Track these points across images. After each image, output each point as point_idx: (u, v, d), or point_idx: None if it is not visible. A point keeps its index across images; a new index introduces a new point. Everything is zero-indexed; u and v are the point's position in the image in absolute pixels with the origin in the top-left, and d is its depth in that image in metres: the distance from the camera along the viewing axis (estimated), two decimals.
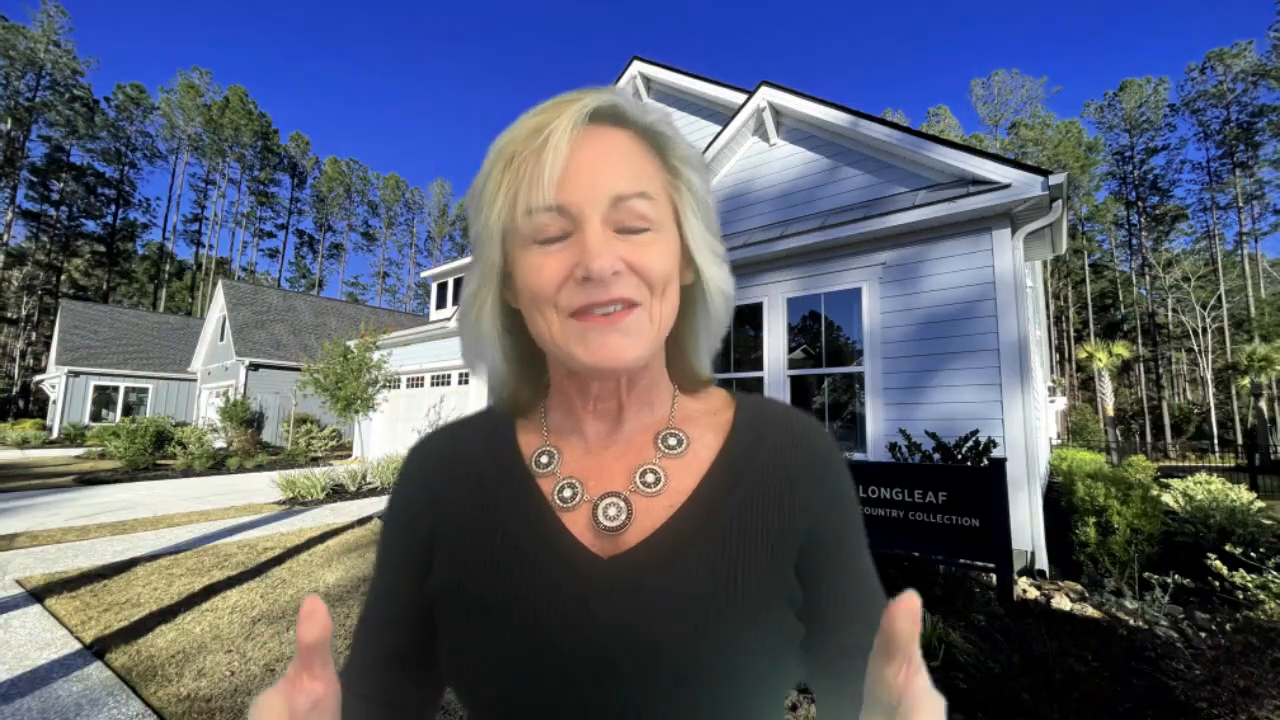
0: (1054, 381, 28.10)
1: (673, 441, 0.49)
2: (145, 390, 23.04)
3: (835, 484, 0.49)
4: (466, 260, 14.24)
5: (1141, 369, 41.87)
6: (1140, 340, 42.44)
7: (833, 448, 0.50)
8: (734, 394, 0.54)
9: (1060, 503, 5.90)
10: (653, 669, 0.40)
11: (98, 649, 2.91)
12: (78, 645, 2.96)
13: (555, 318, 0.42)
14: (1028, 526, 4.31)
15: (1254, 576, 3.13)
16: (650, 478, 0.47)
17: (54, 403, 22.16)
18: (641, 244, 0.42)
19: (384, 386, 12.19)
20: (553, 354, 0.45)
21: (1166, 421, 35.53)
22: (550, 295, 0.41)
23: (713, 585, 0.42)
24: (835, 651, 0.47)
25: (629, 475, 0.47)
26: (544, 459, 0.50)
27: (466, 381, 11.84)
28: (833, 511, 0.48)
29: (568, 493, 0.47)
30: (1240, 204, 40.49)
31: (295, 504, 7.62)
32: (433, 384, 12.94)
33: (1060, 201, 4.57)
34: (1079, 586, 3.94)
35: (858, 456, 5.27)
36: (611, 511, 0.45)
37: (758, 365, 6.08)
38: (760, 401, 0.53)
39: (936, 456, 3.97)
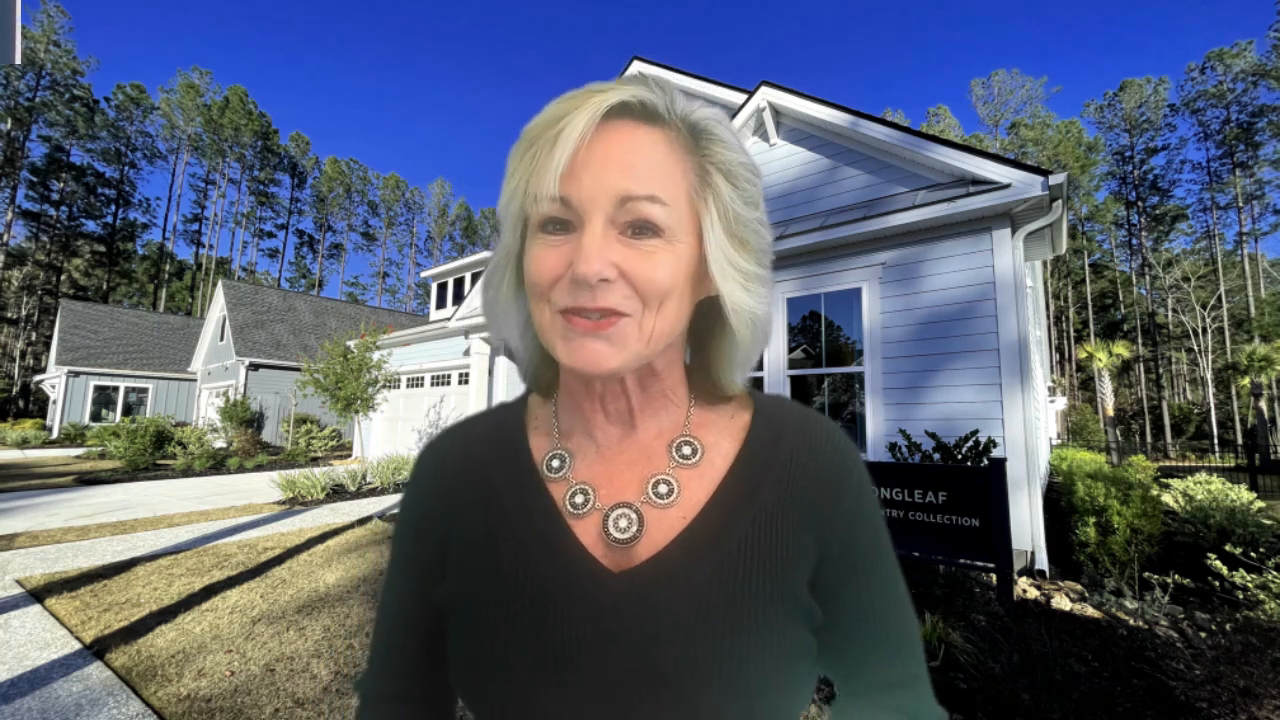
0: (1054, 381, 28.11)
1: (687, 450, 0.48)
2: (145, 390, 23.03)
3: (854, 496, 0.47)
4: (467, 260, 14.27)
5: (1141, 369, 41.87)
6: (1140, 340, 42.44)
7: (852, 457, 0.49)
8: (752, 393, 0.52)
9: (1060, 503, 5.89)
10: (661, 687, 0.39)
11: (98, 649, 2.91)
12: (78, 645, 2.95)
13: (547, 311, 0.41)
14: (1028, 526, 4.31)
15: (1254, 576, 3.13)
16: (663, 488, 0.46)
17: (54, 403, 22.16)
18: (644, 252, 0.39)
19: (384, 386, 12.20)
20: (544, 346, 0.44)
21: (1166, 421, 35.52)
22: (545, 289, 0.40)
23: (723, 602, 0.41)
24: (861, 687, 0.46)
25: (641, 485, 0.46)
26: (555, 463, 0.49)
27: (466, 381, 11.84)
28: (851, 525, 0.46)
29: (579, 499, 0.46)
30: (1240, 204, 40.49)
31: (295, 504, 7.61)
32: (433, 384, 12.94)
33: (1060, 201, 4.57)
34: (1079, 586, 3.94)
35: None
36: (622, 523, 0.45)
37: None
38: (779, 404, 0.51)
39: (936, 456, 3.96)
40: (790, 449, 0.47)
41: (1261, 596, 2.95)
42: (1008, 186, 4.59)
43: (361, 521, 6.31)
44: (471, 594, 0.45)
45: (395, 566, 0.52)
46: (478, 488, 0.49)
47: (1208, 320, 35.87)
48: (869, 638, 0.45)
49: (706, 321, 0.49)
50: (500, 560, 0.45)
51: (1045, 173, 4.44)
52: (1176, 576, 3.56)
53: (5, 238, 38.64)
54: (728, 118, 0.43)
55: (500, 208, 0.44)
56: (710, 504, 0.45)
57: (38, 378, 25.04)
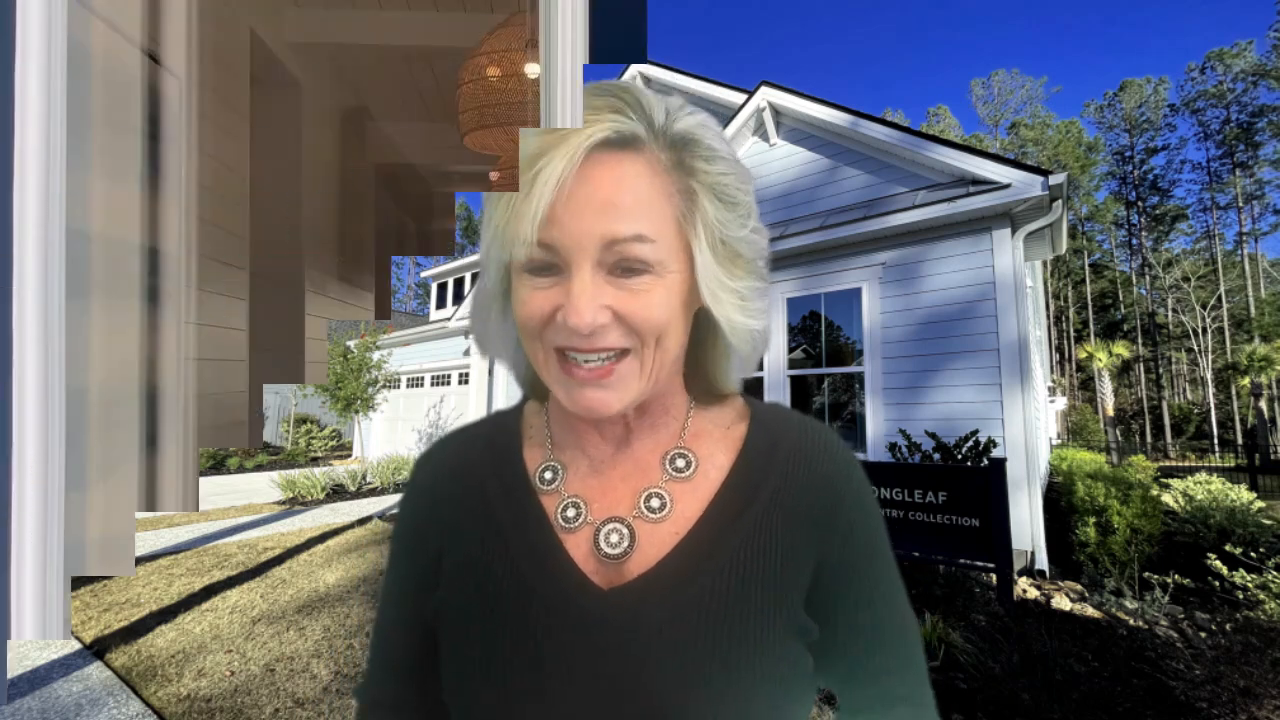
0: (1054, 381, 28.11)
1: (681, 463, 0.47)
2: None
3: (852, 505, 0.46)
4: (467, 260, 14.26)
5: (1141, 369, 41.87)
6: (1140, 340, 42.44)
7: (850, 466, 0.48)
8: (750, 403, 0.52)
9: (1060, 503, 5.89)
10: (649, 703, 0.39)
11: (98, 649, 2.91)
12: (78, 645, 2.96)
13: (541, 350, 0.40)
14: (1028, 526, 4.31)
15: (1254, 576, 3.13)
16: (656, 503, 0.45)
17: None
18: (635, 291, 0.38)
19: (384, 386, 12.20)
20: (542, 379, 0.43)
21: (1166, 421, 35.51)
22: (536, 331, 0.40)
23: (714, 619, 0.41)
24: (860, 701, 0.45)
25: (634, 498, 0.46)
26: (548, 475, 0.48)
27: (466, 381, 11.84)
28: (848, 535, 0.45)
29: (571, 513, 0.46)
30: (1240, 204, 40.53)
31: (295, 504, 7.62)
32: (433, 384, 12.94)
33: (1060, 201, 4.58)
34: (1079, 586, 3.95)
35: (858, 457, 5.30)
36: (614, 539, 0.44)
37: (758, 365, 6.08)
38: (776, 414, 0.50)
39: (936, 456, 3.97)
40: (786, 459, 0.46)
41: (1261, 596, 2.95)
42: (1008, 187, 4.59)
43: (361, 521, 6.31)
44: (461, 604, 0.45)
45: (392, 574, 0.52)
46: (472, 497, 0.49)
47: (1208, 320, 35.89)
48: (866, 651, 0.44)
49: (702, 325, 0.47)
50: (490, 572, 0.45)
51: (1045, 173, 4.45)
52: (1176, 576, 3.56)
53: None
54: (714, 121, 0.41)
55: (481, 251, 0.43)
56: (703, 518, 0.44)
57: None
